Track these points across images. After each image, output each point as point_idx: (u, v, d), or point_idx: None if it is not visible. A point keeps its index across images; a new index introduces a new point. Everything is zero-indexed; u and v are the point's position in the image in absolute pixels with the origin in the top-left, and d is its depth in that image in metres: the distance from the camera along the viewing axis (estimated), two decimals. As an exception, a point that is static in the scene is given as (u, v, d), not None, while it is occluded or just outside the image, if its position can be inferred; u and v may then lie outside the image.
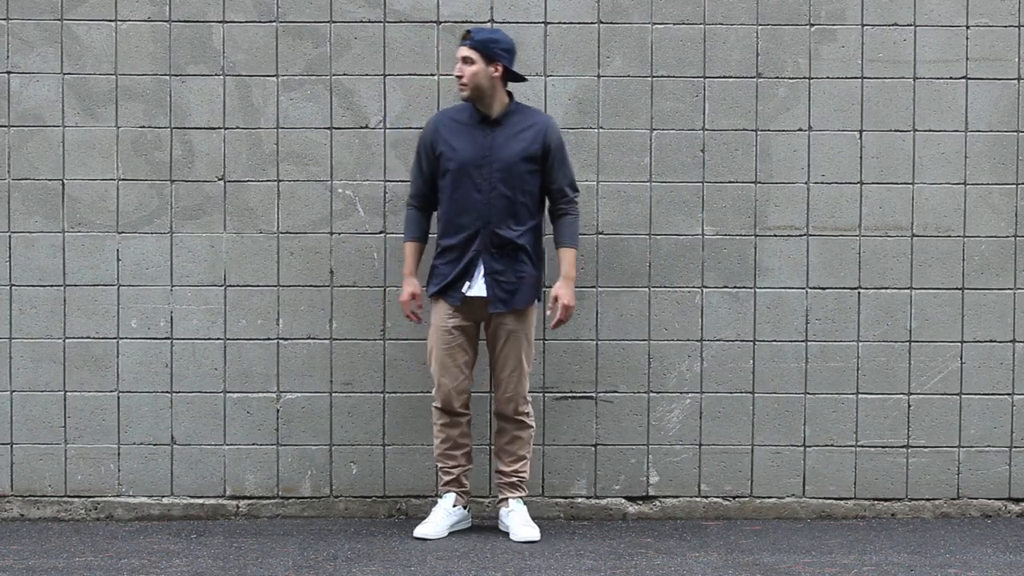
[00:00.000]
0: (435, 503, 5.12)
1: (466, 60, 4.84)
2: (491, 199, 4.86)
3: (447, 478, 5.07)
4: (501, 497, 5.08)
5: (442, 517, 5.02)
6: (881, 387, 5.38)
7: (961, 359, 5.39)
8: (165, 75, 5.30)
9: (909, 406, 5.39)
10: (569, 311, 4.96)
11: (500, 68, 4.85)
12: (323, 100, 5.32)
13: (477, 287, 4.89)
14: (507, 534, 5.01)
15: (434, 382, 5.01)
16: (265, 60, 5.31)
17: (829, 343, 5.37)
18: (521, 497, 5.06)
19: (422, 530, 4.98)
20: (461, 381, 4.98)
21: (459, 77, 4.87)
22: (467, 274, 4.89)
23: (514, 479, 5.04)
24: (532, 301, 4.97)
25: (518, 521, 4.98)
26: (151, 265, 5.31)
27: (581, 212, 5.16)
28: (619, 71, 5.33)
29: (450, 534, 5.03)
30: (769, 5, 5.34)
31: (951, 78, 5.37)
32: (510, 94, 4.96)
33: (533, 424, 5.07)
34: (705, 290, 5.36)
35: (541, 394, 5.34)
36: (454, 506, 5.05)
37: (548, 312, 5.06)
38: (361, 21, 5.32)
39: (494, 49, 4.84)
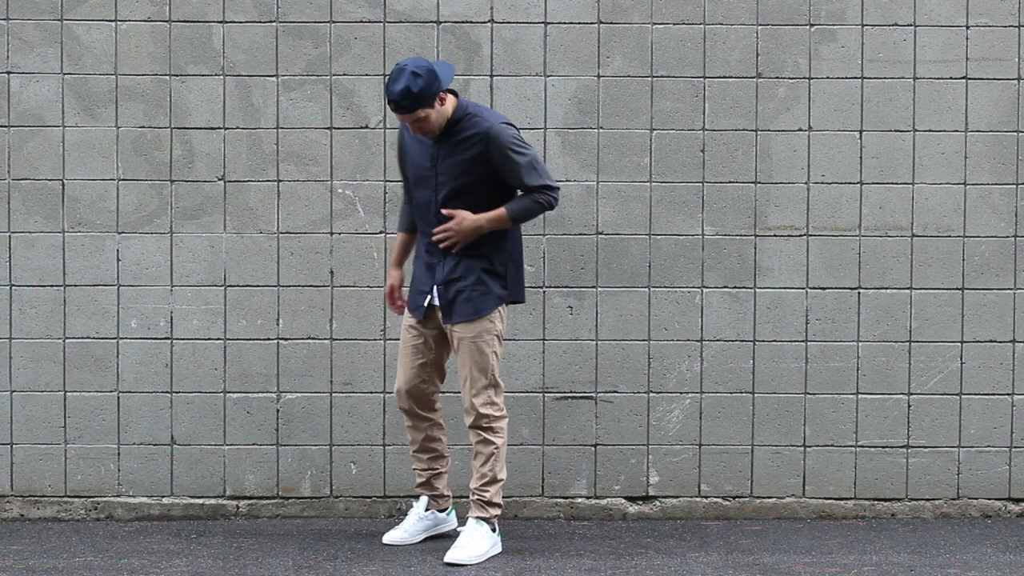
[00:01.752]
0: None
1: (418, 120, 4.54)
2: (439, 205, 4.68)
3: (418, 480, 4.94)
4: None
5: (412, 522, 4.91)
6: (881, 387, 5.38)
7: (961, 359, 5.39)
8: (165, 75, 5.30)
9: (909, 406, 5.39)
10: (449, 231, 4.63)
11: (443, 96, 4.58)
12: (323, 100, 5.32)
13: (434, 298, 4.72)
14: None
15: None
16: (265, 60, 5.31)
17: (829, 343, 5.37)
18: (481, 518, 4.69)
19: (390, 535, 4.90)
20: (412, 381, 4.79)
21: (419, 132, 4.61)
22: (429, 285, 4.75)
23: (475, 496, 4.71)
24: (483, 313, 4.67)
25: (459, 540, 4.68)
26: (151, 265, 5.31)
27: (578, 211, 5.16)
28: (619, 71, 5.33)
29: (442, 537, 4.94)
30: (769, 5, 5.34)
31: (951, 78, 5.36)
32: (453, 91, 4.71)
33: (497, 441, 4.69)
34: (705, 290, 5.36)
35: (541, 394, 5.34)
36: (426, 510, 4.91)
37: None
38: (361, 21, 5.32)
39: (434, 91, 4.50)
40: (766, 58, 5.35)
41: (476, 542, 4.65)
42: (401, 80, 4.47)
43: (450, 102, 4.65)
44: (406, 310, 4.89)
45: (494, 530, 4.74)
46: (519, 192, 4.70)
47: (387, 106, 4.73)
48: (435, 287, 4.71)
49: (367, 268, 5.31)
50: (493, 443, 4.69)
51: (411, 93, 4.46)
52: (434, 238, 4.68)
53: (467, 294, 4.67)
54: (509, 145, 4.61)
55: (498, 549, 4.74)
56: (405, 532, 4.90)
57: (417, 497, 4.98)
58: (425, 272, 4.77)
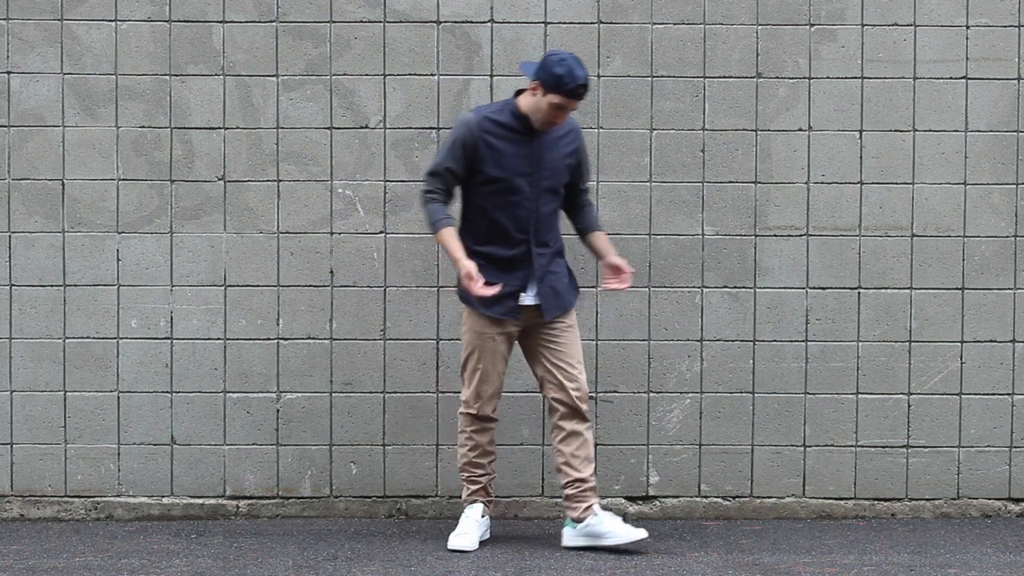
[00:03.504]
0: (436, 504, 5.12)
1: (572, 110, 4.67)
2: (539, 207, 4.72)
3: (475, 487, 4.87)
4: (584, 506, 4.77)
5: (474, 528, 4.83)
6: (881, 387, 5.38)
7: (961, 359, 5.39)
8: (165, 75, 5.30)
9: (909, 406, 5.39)
10: (627, 278, 4.83)
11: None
12: (323, 100, 5.32)
13: (531, 296, 4.73)
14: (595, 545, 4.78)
15: (469, 389, 4.80)
16: (265, 60, 5.31)
17: (829, 343, 5.37)
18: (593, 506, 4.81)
19: (458, 542, 4.78)
20: (499, 387, 4.83)
21: (556, 123, 4.67)
22: (524, 286, 4.73)
23: (593, 483, 4.80)
24: (576, 300, 4.88)
25: (619, 521, 4.78)
26: (151, 265, 5.31)
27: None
28: (619, 71, 5.33)
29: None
30: (769, 5, 5.34)
31: (951, 78, 5.37)
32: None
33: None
34: (705, 290, 5.36)
35: (541, 394, 5.34)
36: (482, 516, 4.88)
37: (607, 282, 4.84)
38: (361, 21, 5.32)
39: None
40: (766, 58, 5.35)
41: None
42: (581, 65, 4.60)
43: None
44: (484, 320, 4.73)
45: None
46: (579, 186, 4.88)
47: (566, 93, 4.55)
48: (528, 287, 4.73)
49: (367, 268, 5.32)
50: (589, 421, 4.85)
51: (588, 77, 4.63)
52: (626, 286, 4.80)
53: (565, 285, 4.81)
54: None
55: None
56: (471, 539, 4.80)
57: (470, 503, 4.89)
58: (508, 274, 4.71)
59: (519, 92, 4.75)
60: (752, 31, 5.34)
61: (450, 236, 4.68)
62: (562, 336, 4.80)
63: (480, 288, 4.58)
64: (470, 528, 4.83)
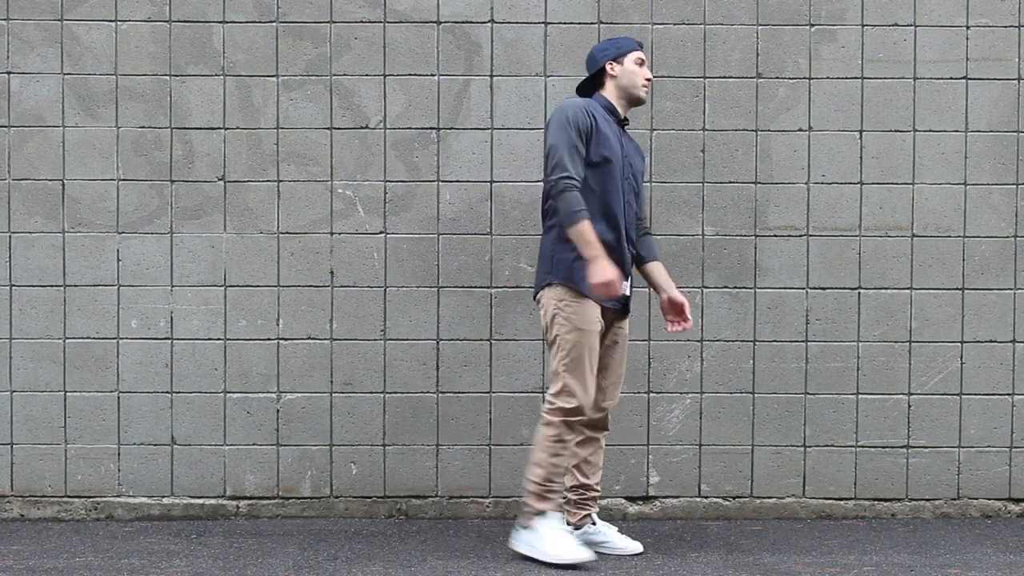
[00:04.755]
0: (436, 504, 5.11)
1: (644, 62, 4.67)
2: (628, 199, 4.63)
3: (559, 499, 4.55)
4: (583, 514, 4.72)
5: (574, 538, 4.57)
6: (881, 387, 5.38)
7: (961, 359, 5.39)
8: (165, 75, 5.30)
9: (909, 406, 5.39)
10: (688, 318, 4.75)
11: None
12: (323, 100, 5.32)
13: (628, 286, 4.62)
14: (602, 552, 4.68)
15: (572, 393, 4.46)
16: (265, 60, 5.31)
17: (829, 343, 5.37)
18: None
19: (581, 555, 4.43)
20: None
21: (648, 80, 4.67)
22: (626, 273, 4.59)
23: (597, 493, 4.75)
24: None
25: (618, 535, 4.74)
26: (151, 265, 5.32)
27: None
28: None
29: (453, 536, 5.00)
30: (769, 5, 5.34)
31: (951, 78, 5.37)
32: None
33: None
34: (705, 290, 5.36)
35: (541, 394, 5.34)
36: (593, 523, 4.74)
37: (669, 320, 4.74)
38: (361, 21, 5.32)
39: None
40: (766, 58, 5.35)
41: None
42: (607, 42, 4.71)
43: None
44: (592, 314, 4.48)
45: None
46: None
47: (636, 46, 4.67)
48: (625, 281, 4.59)
49: (367, 268, 5.32)
50: (608, 431, 4.80)
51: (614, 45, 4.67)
52: (690, 325, 4.71)
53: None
54: None
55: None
56: (586, 549, 4.54)
57: (545, 514, 4.54)
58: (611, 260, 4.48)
59: (581, 92, 4.73)
60: (752, 31, 5.35)
61: (589, 229, 4.38)
62: (620, 344, 4.67)
63: (617, 289, 4.37)
64: (574, 540, 4.54)
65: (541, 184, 5.29)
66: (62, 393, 5.32)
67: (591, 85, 4.70)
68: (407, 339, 5.32)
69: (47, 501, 5.33)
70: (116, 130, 5.31)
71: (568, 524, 4.72)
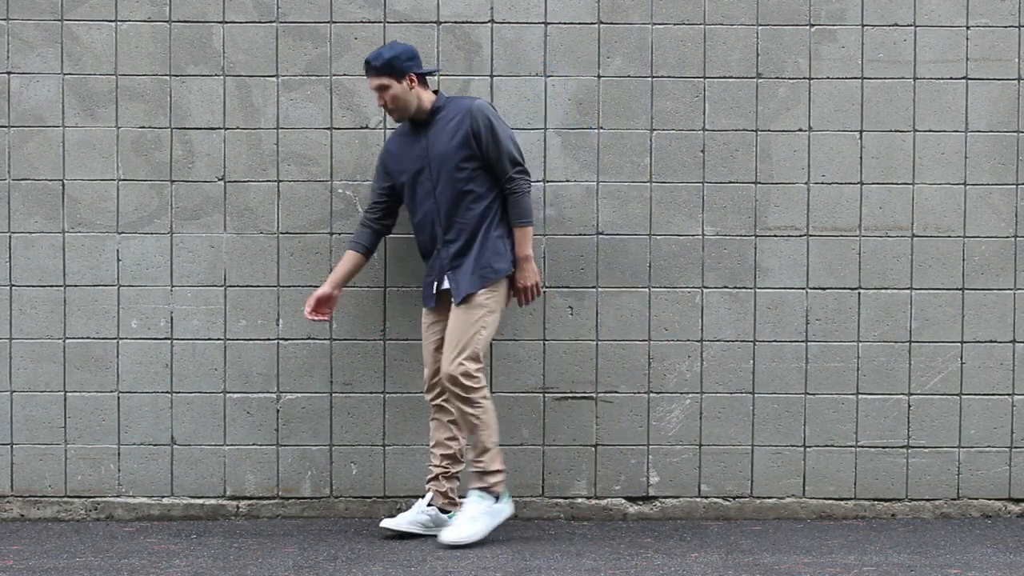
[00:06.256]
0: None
1: (381, 88, 4.84)
2: (438, 197, 4.87)
3: (429, 475, 5.02)
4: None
5: (413, 512, 4.96)
6: (881, 387, 5.38)
7: (961, 359, 5.39)
8: (165, 75, 5.30)
9: (909, 406, 5.39)
10: (528, 290, 4.95)
11: (412, 78, 4.85)
12: (323, 100, 5.32)
13: (444, 282, 4.93)
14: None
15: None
16: (265, 60, 5.31)
17: (829, 343, 5.37)
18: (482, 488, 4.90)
19: (386, 520, 4.95)
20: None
21: (383, 106, 4.89)
22: (439, 274, 4.94)
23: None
24: (475, 288, 4.84)
25: (455, 519, 4.92)
26: (151, 265, 5.31)
27: (578, 211, 5.15)
28: (619, 71, 5.33)
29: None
30: (769, 5, 5.34)
31: (951, 78, 5.37)
32: (435, 91, 4.98)
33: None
34: (705, 290, 5.36)
35: (541, 394, 5.34)
36: (428, 505, 4.96)
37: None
38: (361, 21, 5.32)
39: (399, 65, 4.82)
40: (766, 58, 5.35)
41: (471, 521, 4.83)
42: (382, 48, 4.90)
43: (427, 96, 4.91)
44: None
45: (497, 499, 4.89)
46: (494, 167, 4.89)
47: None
48: (447, 273, 4.96)
49: (367, 268, 5.31)
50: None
51: (382, 56, 4.82)
52: (530, 304, 5.13)
53: (468, 268, 4.93)
54: (491, 116, 4.86)
55: (503, 516, 4.92)
56: (401, 519, 4.94)
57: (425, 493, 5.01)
58: (432, 267, 5.00)
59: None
60: (752, 31, 5.35)
61: (344, 261, 5.07)
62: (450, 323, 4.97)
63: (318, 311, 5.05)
64: (409, 511, 5.03)
65: (542, 184, 5.30)
66: (62, 393, 5.32)
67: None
68: (407, 339, 5.32)
69: (47, 501, 5.33)
70: (116, 130, 5.31)
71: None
